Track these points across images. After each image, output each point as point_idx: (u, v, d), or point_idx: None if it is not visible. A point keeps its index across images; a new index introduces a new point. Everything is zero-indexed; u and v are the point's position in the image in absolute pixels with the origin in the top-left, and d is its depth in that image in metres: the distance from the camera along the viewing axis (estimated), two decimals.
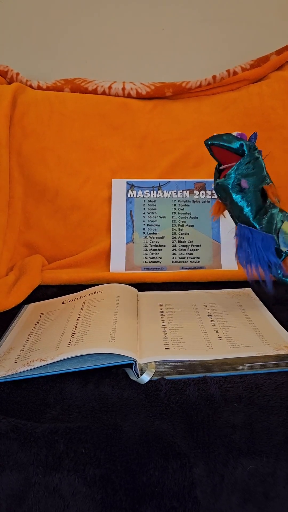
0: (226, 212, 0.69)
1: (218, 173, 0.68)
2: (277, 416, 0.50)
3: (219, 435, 0.48)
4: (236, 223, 0.68)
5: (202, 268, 0.95)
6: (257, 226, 0.66)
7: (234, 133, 0.66)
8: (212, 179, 0.99)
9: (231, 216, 0.68)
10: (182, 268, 0.96)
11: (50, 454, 0.46)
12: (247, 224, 0.66)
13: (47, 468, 0.45)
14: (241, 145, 0.65)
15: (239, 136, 0.65)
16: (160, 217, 0.98)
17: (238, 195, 0.65)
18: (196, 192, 0.98)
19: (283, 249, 0.66)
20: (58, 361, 0.56)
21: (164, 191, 0.98)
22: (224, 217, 0.70)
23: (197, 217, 0.97)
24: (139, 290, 0.82)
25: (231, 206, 0.66)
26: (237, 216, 0.67)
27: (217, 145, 0.66)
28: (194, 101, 1.04)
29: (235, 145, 0.65)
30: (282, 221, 0.67)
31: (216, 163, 0.69)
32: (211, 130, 1.01)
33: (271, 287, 0.67)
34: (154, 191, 0.99)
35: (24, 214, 0.99)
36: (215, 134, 0.67)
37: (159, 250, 0.97)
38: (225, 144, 0.65)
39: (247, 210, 0.65)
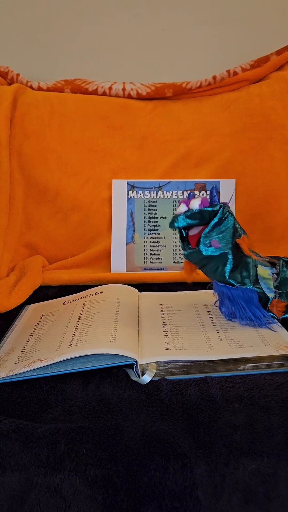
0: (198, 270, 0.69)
1: (183, 241, 0.66)
2: (278, 417, 0.50)
3: (220, 435, 0.48)
4: (211, 279, 0.68)
5: None
6: (234, 283, 0.65)
7: (197, 202, 0.62)
8: (212, 180, 0.99)
9: (205, 273, 0.67)
10: (183, 268, 0.95)
11: (51, 455, 0.46)
12: (223, 282, 0.65)
13: (48, 469, 0.45)
14: (203, 212, 0.62)
15: (201, 206, 0.62)
16: (161, 217, 0.98)
17: (212, 257, 0.64)
18: (196, 192, 0.98)
19: (270, 295, 0.66)
20: (59, 362, 0.56)
21: (165, 192, 0.99)
22: (197, 274, 0.70)
23: None
24: (139, 291, 0.82)
25: (207, 268, 0.66)
26: (213, 276, 0.66)
27: (184, 227, 0.64)
28: (195, 101, 1.04)
29: (194, 220, 0.63)
30: (256, 266, 0.66)
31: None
32: (212, 130, 1.01)
33: (267, 325, 0.66)
34: (155, 192, 0.99)
35: (25, 215, 0.99)
36: (174, 214, 0.64)
37: (160, 250, 0.97)
38: (190, 222, 0.63)
39: (222, 269, 0.65)
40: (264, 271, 0.66)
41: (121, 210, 0.98)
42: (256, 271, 0.66)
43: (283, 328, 0.67)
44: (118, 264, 0.95)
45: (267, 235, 0.97)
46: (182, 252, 0.66)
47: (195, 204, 0.62)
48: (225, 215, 0.63)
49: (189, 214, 0.62)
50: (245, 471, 0.46)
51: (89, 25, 1.13)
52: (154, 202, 0.98)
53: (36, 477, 0.45)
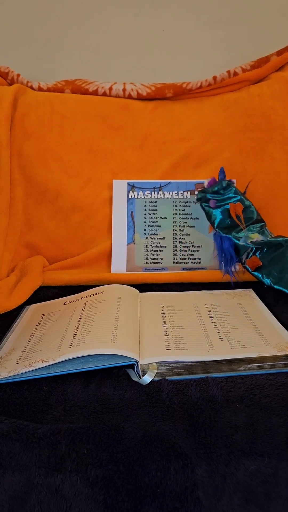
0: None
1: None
2: (279, 417, 0.50)
3: (221, 435, 0.48)
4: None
5: (203, 269, 0.95)
6: (220, 232, 0.88)
7: (206, 181, 0.92)
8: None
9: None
10: (183, 268, 0.96)
11: (52, 455, 0.46)
12: (218, 230, 0.90)
13: (49, 469, 0.45)
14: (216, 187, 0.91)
15: (209, 183, 0.91)
16: (161, 218, 0.98)
17: (208, 209, 0.91)
18: (197, 193, 0.98)
19: (241, 243, 0.85)
20: (60, 362, 0.56)
21: (165, 192, 0.99)
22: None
23: (198, 218, 0.97)
24: (140, 291, 0.82)
25: (206, 216, 0.93)
26: (212, 224, 0.91)
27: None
28: (195, 102, 1.04)
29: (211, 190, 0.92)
30: (253, 231, 0.86)
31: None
32: (212, 130, 1.01)
33: (232, 274, 0.86)
34: (155, 192, 0.99)
35: (25, 216, 0.99)
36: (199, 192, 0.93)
37: (160, 251, 0.97)
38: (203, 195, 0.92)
39: (212, 220, 0.90)
40: (256, 236, 0.86)
41: (122, 211, 0.98)
42: (250, 233, 0.86)
43: (282, 327, 0.67)
44: (119, 265, 0.95)
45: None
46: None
47: (205, 183, 0.92)
48: (225, 187, 0.90)
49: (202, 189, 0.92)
50: (245, 471, 0.46)
51: (90, 26, 1.13)
52: (155, 202, 0.98)
53: (37, 478, 0.45)
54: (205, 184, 0.91)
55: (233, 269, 0.87)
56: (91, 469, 0.45)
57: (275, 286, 0.80)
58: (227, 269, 0.86)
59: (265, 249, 0.84)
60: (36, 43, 1.14)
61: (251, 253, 0.84)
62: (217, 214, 0.89)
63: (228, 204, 0.89)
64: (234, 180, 0.94)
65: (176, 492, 0.45)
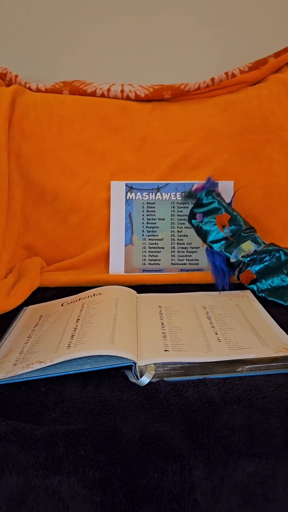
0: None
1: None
2: (277, 418, 0.50)
3: (219, 437, 0.48)
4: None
5: (201, 270, 0.95)
6: (214, 246, 0.88)
7: (194, 187, 0.92)
8: (211, 182, 1.00)
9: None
10: (181, 270, 0.96)
11: (50, 457, 0.46)
12: (205, 243, 0.90)
13: (46, 471, 0.45)
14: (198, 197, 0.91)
15: (193, 192, 0.92)
16: (159, 219, 0.98)
17: (198, 225, 0.90)
18: (180, 197, 0.98)
19: (232, 259, 0.85)
20: (58, 363, 0.56)
21: (163, 193, 0.99)
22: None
23: (196, 220, 0.97)
24: (138, 292, 0.82)
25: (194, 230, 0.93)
26: (199, 236, 0.92)
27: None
28: (193, 103, 1.05)
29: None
30: (246, 240, 0.85)
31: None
32: (210, 132, 1.02)
33: (221, 288, 0.85)
34: (153, 193, 0.99)
35: (23, 216, 0.99)
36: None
37: (158, 252, 0.97)
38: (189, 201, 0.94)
39: (203, 235, 0.90)
40: (248, 246, 0.85)
41: (120, 212, 0.98)
42: (242, 243, 0.86)
43: (280, 329, 0.67)
44: (117, 266, 0.95)
45: (265, 237, 0.97)
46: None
47: (193, 187, 0.93)
48: (208, 199, 0.89)
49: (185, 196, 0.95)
50: (243, 472, 0.46)
51: (88, 27, 1.13)
52: (153, 203, 0.98)
53: (35, 479, 0.45)
54: (193, 188, 0.92)
55: (227, 282, 0.86)
56: (88, 470, 0.45)
57: (269, 298, 0.80)
58: (221, 284, 0.85)
59: (257, 262, 0.84)
60: (34, 44, 1.14)
61: (244, 268, 0.84)
62: (208, 228, 0.89)
63: (213, 216, 0.89)
64: (219, 191, 0.92)
65: (174, 493, 0.45)
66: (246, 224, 0.89)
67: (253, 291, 0.83)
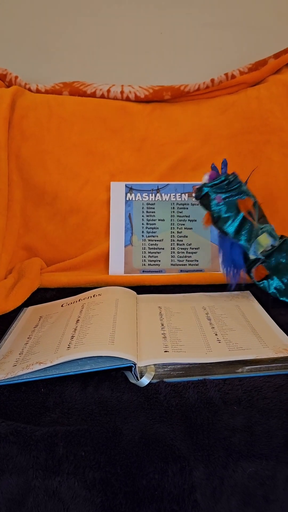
0: None
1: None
2: (277, 419, 0.50)
3: (219, 438, 0.48)
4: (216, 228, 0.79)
5: (201, 271, 0.95)
6: (230, 233, 0.76)
7: (206, 176, 0.78)
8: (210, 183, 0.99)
9: (213, 222, 0.79)
10: (181, 271, 0.96)
11: (50, 458, 0.46)
12: (222, 232, 0.78)
13: (46, 472, 0.45)
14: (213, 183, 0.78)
15: (209, 178, 0.78)
16: (159, 220, 0.98)
17: (214, 208, 0.77)
18: (195, 194, 0.98)
19: (251, 256, 0.76)
20: (58, 364, 0.56)
21: (163, 194, 0.99)
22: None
23: (195, 220, 0.97)
24: (137, 293, 0.82)
25: (211, 217, 0.79)
26: (216, 225, 0.78)
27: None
28: (193, 104, 1.05)
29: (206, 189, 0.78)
30: (263, 232, 0.77)
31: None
32: (210, 133, 1.02)
33: (233, 287, 0.78)
34: (153, 194, 0.99)
35: (23, 217, 0.99)
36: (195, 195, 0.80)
37: (158, 253, 0.97)
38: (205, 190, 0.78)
39: (221, 220, 0.77)
40: (265, 240, 0.77)
41: (119, 213, 0.98)
42: (258, 235, 0.76)
43: (280, 329, 0.67)
44: (116, 267, 0.95)
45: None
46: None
47: (205, 179, 0.78)
48: (230, 180, 0.77)
49: (200, 186, 0.79)
50: (243, 473, 0.46)
51: (88, 28, 1.14)
52: (152, 204, 0.98)
53: (34, 480, 0.45)
54: (205, 179, 0.79)
55: (237, 279, 0.79)
56: (88, 471, 0.45)
57: (280, 298, 0.77)
58: (234, 279, 0.77)
59: (273, 258, 0.77)
60: (34, 45, 1.14)
61: (258, 263, 0.77)
62: (228, 214, 0.76)
63: (234, 200, 0.77)
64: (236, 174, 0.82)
65: (174, 494, 0.45)
66: (262, 211, 0.82)
67: (261, 289, 0.78)
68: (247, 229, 0.76)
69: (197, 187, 0.80)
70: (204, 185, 0.78)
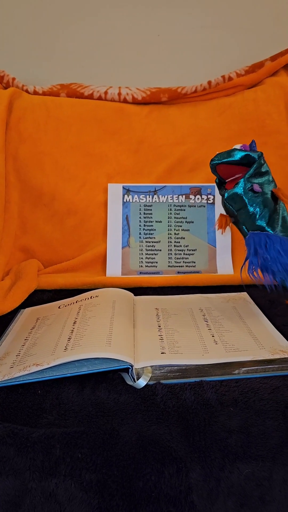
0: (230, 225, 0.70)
1: (221, 187, 0.68)
2: (273, 420, 0.50)
3: (215, 439, 0.48)
4: (245, 234, 0.67)
5: (198, 272, 0.95)
6: (271, 231, 0.65)
7: (238, 146, 0.66)
8: (208, 184, 1.00)
9: (239, 227, 0.68)
10: (178, 272, 0.96)
11: (47, 459, 0.46)
12: (260, 230, 0.65)
13: (43, 473, 0.45)
14: (246, 155, 0.65)
15: (242, 148, 0.66)
16: (156, 221, 0.98)
17: (251, 200, 0.64)
18: (192, 196, 0.98)
19: None
20: (55, 366, 0.56)
21: (160, 196, 0.99)
22: (230, 228, 0.70)
23: (192, 222, 0.98)
24: (135, 294, 0.82)
25: (243, 215, 0.65)
26: (250, 224, 0.65)
27: (224, 163, 0.66)
28: (190, 106, 1.05)
29: (238, 155, 0.65)
30: None
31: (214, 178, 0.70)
32: (207, 135, 1.02)
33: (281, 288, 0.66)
34: (150, 196, 0.99)
35: (20, 219, 0.99)
36: (218, 152, 0.67)
37: (155, 254, 0.97)
38: (231, 159, 0.65)
39: (260, 215, 0.65)
40: None
41: (117, 214, 0.98)
42: None
43: (277, 331, 0.67)
44: (114, 268, 0.96)
45: None
46: (221, 197, 0.67)
47: (237, 146, 0.66)
48: (264, 163, 0.66)
49: (228, 153, 0.65)
50: (240, 475, 0.46)
51: (85, 30, 1.14)
52: (150, 206, 0.99)
53: (31, 482, 0.45)
54: (237, 147, 0.66)
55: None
56: (85, 473, 0.45)
57: None
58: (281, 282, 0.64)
59: None
60: (32, 46, 1.14)
61: None
62: (263, 204, 0.65)
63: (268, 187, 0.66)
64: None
65: (171, 496, 0.45)
66: None
67: None
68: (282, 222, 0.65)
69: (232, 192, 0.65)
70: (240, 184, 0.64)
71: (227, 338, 0.65)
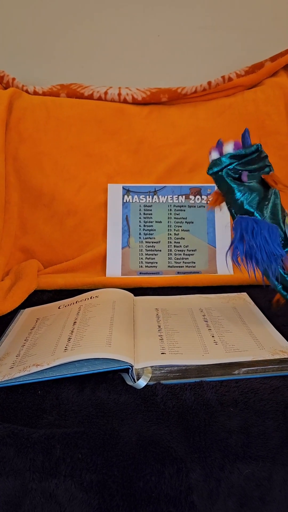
0: (223, 205, 0.68)
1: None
2: (273, 421, 0.50)
3: (215, 439, 0.48)
4: (233, 217, 0.65)
5: (198, 272, 0.96)
6: (259, 217, 0.62)
7: (230, 147, 0.65)
8: (208, 184, 1.00)
9: (229, 208, 0.65)
10: (178, 272, 0.96)
11: (47, 460, 0.46)
12: (248, 215, 0.63)
13: (43, 474, 0.45)
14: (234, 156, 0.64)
15: (235, 148, 0.65)
16: (156, 222, 0.98)
17: (236, 185, 0.63)
18: (191, 197, 0.99)
19: None
20: (55, 366, 0.56)
21: (160, 196, 0.99)
22: (220, 209, 0.68)
23: (192, 222, 0.98)
24: (135, 295, 0.82)
25: (230, 199, 0.64)
26: (238, 208, 0.63)
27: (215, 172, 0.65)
28: (190, 106, 1.05)
29: (224, 163, 0.64)
30: (284, 217, 0.65)
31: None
32: (207, 135, 1.02)
33: (275, 283, 0.64)
34: (150, 196, 0.99)
35: (20, 219, 0.99)
36: (212, 161, 0.65)
37: (155, 254, 0.97)
38: (216, 168, 0.64)
39: (248, 200, 0.63)
40: None
41: (117, 214, 0.98)
42: (285, 220, 0.64)
43: (276, 331, 0.67)
44: (113, 268, 0.96)
45: None
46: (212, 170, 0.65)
47: (229, 149, 0.64)
48: (262, 154, 0.65)
49: (228, 156, 0.64)
50: (240, 475, 0.46)
51: (85, 30, 1.14)
52: (150, 206, 0.99)
53: (31, 483, 0.45)
54: (228, 149, 0.64)
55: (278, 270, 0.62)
56: (85, 473, 0.45)
57: None
58: (274, 276, 0.62)
59: None
60: (32, 47, 1.14)
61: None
62: (250, 190, 0.63)
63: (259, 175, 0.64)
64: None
65: (171, 496, 0.45)
66: None
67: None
68: (280, 208, 0.63)
69: (213, 159, 0.65)
70: (224, 155, 0.63)
71: (227, 338, 0.65)
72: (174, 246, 0.97)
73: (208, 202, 0.68)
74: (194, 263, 0.96)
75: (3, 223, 0.96)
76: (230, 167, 0.63)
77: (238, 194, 0.63)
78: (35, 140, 1.00)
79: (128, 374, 0.57)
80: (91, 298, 0.78)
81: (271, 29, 1.14)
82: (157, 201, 0.99)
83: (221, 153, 0.64)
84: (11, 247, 0.98)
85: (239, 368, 0.58)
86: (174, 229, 0.98)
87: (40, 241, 0.99)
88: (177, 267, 0.96)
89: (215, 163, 0.64)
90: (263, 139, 1.01)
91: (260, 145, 0.65)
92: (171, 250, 0.97)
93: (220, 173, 0.63)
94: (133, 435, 0.48)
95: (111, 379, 0.58)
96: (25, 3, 1.12)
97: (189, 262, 0.96)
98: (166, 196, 0.99)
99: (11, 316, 0.78)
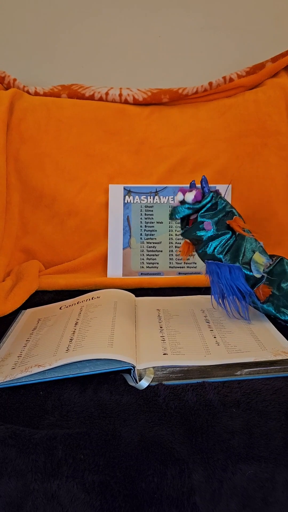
0: (194, 252, 0.74)
1: (183, 222, 0.72)
2: (276, 421, 0.50)
3: (218, 440, 0.48)
4: (203, 261, 0.71)
5: (199, 273, 0.95)
6: (222, 259, 0.69)
7: (190, 197, 0.69)
8: (209, 185, 1.00)
9: (198, 255, 0.72)
10: (179, 273, 0.96)
11: (49, 461, 0.46)
12: (213, 259, 0.70)
13: (45, 475, 0.45)
14: (190, 208, 0.69)
15: (193, 199, 0.69)
16: (157, 222, 0.98)
17: (202, 234, 0.69)
18: (171, 208, 0.98)
19: (257, 275, 0.69)
20: (57, 367, 0.56)
21: (161, 197, 0.99)
22: (193, 256, 0.74)
23: None
24: (136, 295, 0.82)
25: (199, 247, 0.70)
26: (203, 254, 0.70)
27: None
28: (191, 107, 1.05)
29: (181, 214, 0.70)
30: (253, 251, 0.70)
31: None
32: (208, 136, 1.02)
33: (248, 317, 0.70)
34: (151, 197, 0.99)
35: (21, 220, 0.99)
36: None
37: (156, 255, 0.97)
38: (177, 216, 0.70)
39: (211, 247, 0.69)
40: (260, 258, 0.70)
41: (118, 215, 0.98)
42: (252, 255, 0.70)
43: (278, 332, 0.67)
44: (115, 269, 0.96)
45: (263, 240, 0.98)
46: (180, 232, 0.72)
47: (189, 198, 0.69)
48: (216, 201, 0.69)
49: (186, 207, 0.69)
50: (242, 476, 0.46)
51: (86, 31, 1.14)
52: (151, 207, 0.99)
53: (33, 484, 0.45)
54: (188, 199, 0.69)
55: (247, 306, 0.70)
56: (87, 474, 0.45)
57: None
58: (245, 309, 0.69)
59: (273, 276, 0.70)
60: (33, 47, 1.14)
61: (261, 282, 0.69)
62: (214, 237, 0.68)
63: (223, 220, 0.69)
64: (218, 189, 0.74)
65: (173, 497, 0.45)
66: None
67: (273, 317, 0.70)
68: (244, 249, 0.69)
69: (173, 206, 0.71)
70: (183, 204, 0.69)
71: (229, 339, 0.65)
72: (175, 246, 0.97)
73: (179, 253, 0.73)
74: (195, 263, 0.96)
75: (4, 223, 0.97)
76: (191, 217, 0.69)
77: (204, 242, 0.69)
78: (36, 140, 1.00)
79: (130, 375, 0.57)
80: (92, 298, 0.77)
81: (272, 30, 1.14)
82: (158, 202, 0.99)
83: (183, 196, 0.69)
84: (12, 247, 0.98)
85: (241, 369, 0.58)
86: (175, 230, 0.98)
87: (41, 242, 0.99)
88: (178, 267, 0.96)
89: (174, 210, 0.70)
90: (264, 139, 1.01)
91: (215, 193, 0.70)
92: (172, 251, 0.97)
93: (186, 226, 0.70)
94: (135, 436, 0.48)
95: (113, 380, 0.57)
96: (26, 4, 1.12)
97: (190, 263, 0.96)
98: (167, 197, 0.99)
99: (12, 316, 0.78)
